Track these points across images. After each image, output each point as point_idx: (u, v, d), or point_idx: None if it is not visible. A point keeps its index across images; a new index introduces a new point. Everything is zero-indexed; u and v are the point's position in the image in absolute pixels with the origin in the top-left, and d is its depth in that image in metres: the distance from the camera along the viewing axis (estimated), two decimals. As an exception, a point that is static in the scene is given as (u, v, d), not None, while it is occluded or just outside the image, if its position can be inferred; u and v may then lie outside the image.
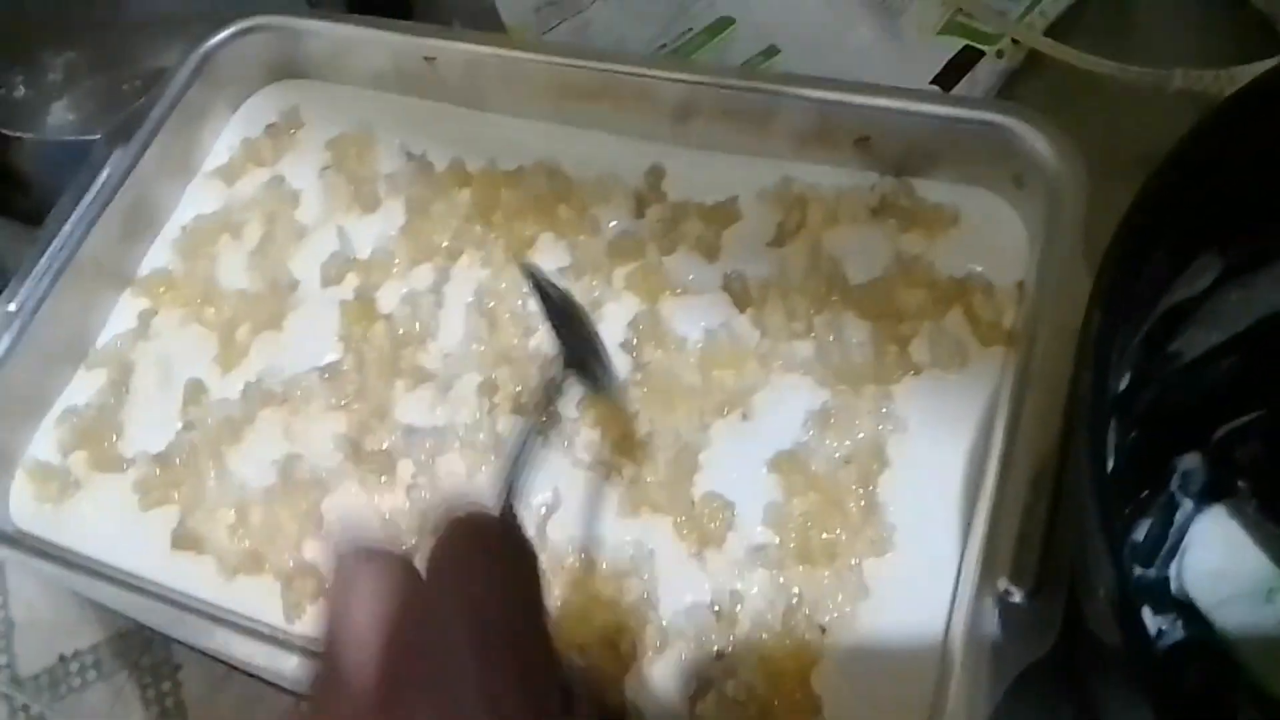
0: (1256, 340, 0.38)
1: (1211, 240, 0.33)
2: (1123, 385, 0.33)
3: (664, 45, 0.58)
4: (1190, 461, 0.41)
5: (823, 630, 0.37)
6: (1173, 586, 0.39)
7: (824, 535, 0.39)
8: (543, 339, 0.46)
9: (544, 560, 0.40)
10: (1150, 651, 0.23)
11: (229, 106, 0.55)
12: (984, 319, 0.42)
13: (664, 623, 0.39)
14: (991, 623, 0.33)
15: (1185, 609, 0.38)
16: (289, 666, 0.38)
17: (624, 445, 0.42)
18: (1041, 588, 0.33)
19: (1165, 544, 0.40)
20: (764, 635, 0.38)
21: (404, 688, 0.18)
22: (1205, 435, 0.41)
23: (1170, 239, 0.31)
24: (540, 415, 0.40)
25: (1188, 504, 0.41)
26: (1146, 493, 0.40)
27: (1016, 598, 0.33)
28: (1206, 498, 0.40)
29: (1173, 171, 0.29)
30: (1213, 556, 0.39)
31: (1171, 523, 0.40)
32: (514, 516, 0.28)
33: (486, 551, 0.19)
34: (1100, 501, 0.22)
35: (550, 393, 0.40)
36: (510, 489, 0.33)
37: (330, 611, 0.19)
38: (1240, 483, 0.40)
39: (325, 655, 0.19)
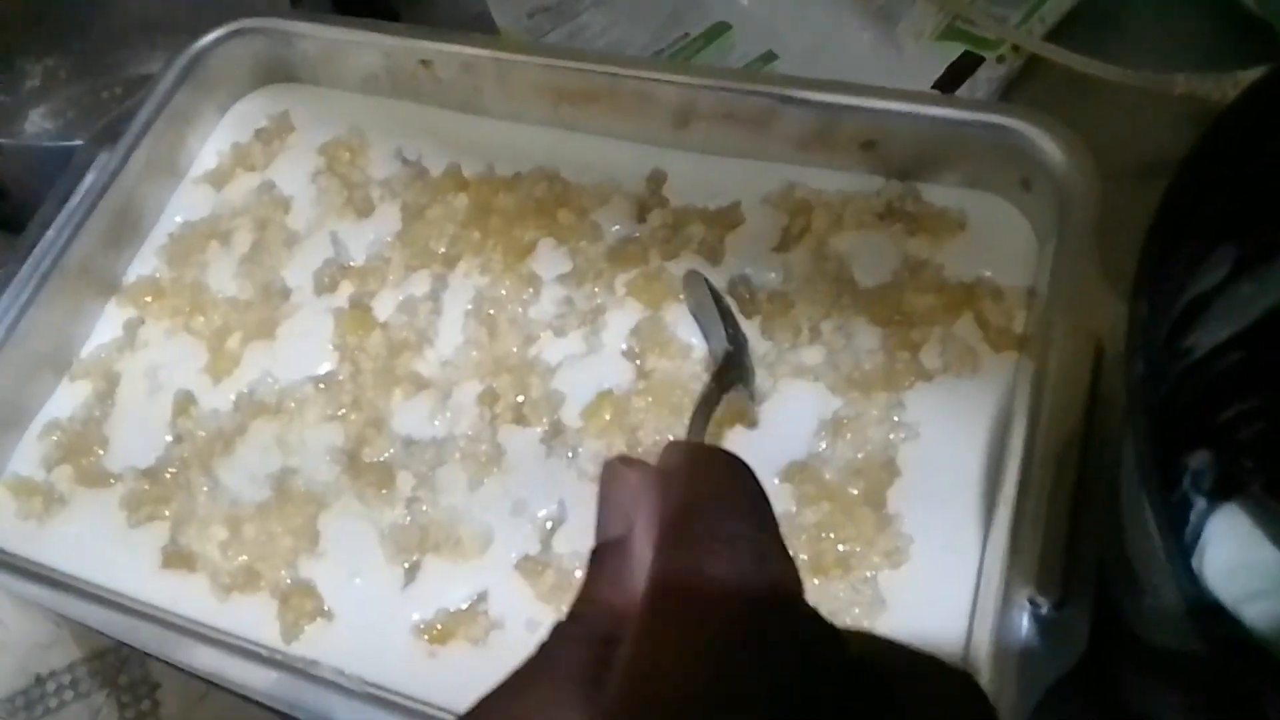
0: (1261, 333, 0.37)
1: (1230, 232, 0.33)
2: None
3: (660, 51, 0.58)
4: (1199, 459, 0.40)
5: (839, 644, 0.36)
6: (1195, 585, 0.39)
7: (839, 547, 0.38)
8: (544, 347, 0.45)
9: (550, 576, 0.39)
10: (1230, 652, 0.22)
11: (218, 110, 0.54)
12: (994, 324, 0.42)
13: (676, 638, 0.37)
14: (1019, 635, 0.33)
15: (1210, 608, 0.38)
16: (287, 690, 0.37)
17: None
18: (1068, 597, 0.33)
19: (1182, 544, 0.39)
20: (780, 649, 0.37)
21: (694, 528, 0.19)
22: (1211, 429, 0.40)
23: (1196, 232, 0.31)
24: (719, 391, 0.40)
25: (1200, 502, 0.40)
26: (1159, 493, 0.39)
27: (1044, 608, 0.32)
28: (1218, 495, 0.40)
29: (1198, 167, 0.29)
30: (1231, 553, 0.39)
31: (1187, 521, 0.40)
32: None
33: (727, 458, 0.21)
34: (1163, 507, 0.21)
35: (728, 376, 0.41)
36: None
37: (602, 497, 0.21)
38: (1247, 462, 0.40)
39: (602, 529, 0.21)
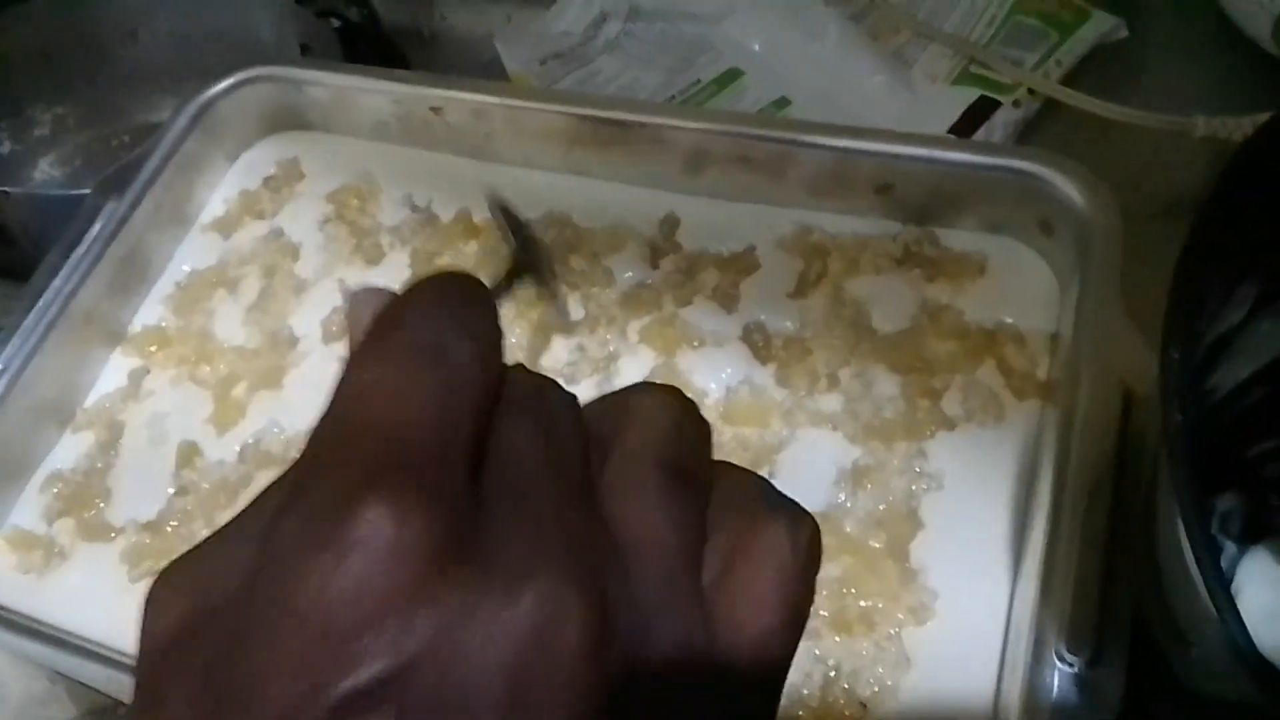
0: (1281, 370, 0.37)
1: (1250, 270, 0.33)
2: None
3: (672, 97, 0.57)
4: (1228, 502, 0.39)
5: (864, 706, 0.35)
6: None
7: (862, 603, 0.37)
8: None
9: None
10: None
11: (226, 158, 0.54)
12: (1018, 370, 0.41)
13: (694, 698, 0.36)
14: (1050, 695, 0.31)
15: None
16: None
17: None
18: (1102, 652, 0.31)
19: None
20: (800, 713, 0.35)
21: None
22: (1238, 471, 0.39)
23: (1219, 273, 0.30)
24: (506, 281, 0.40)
25: (1231, 547, 0.39)
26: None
27: (1077, 666, 0.31)
28: (1248, 538, 0.39)
29: (1219, 210, 0.29)
30: (1266, 597, 0.38)
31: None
32: None
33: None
34: (1210, 560, 0.20)
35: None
36: None
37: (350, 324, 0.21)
38: (1273, 500, 0.39)
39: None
